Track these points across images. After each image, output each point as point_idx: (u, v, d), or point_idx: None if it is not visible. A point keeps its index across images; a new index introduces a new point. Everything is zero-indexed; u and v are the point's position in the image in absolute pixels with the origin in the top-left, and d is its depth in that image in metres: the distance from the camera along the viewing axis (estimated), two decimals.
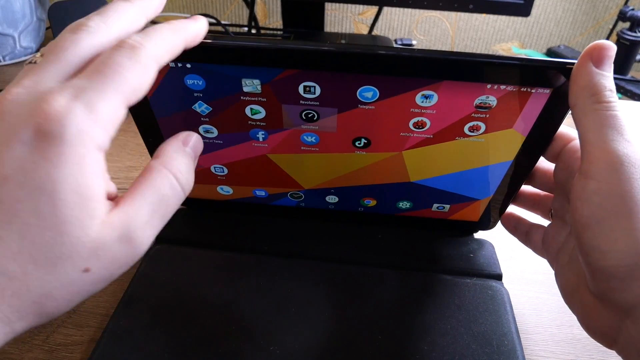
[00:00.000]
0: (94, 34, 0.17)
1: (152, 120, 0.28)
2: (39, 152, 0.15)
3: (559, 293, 0.26)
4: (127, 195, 0.17)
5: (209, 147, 0.29)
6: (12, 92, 0.16)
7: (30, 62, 0.18)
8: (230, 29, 0.73)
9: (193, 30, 0.20)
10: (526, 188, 0.30)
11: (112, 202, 0.17)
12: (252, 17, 0.61)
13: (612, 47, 0.20)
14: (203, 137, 0.28)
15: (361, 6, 0.80)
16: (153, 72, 0.17)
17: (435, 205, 0.32)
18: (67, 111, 0.15)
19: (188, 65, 0.24)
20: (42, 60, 0.17)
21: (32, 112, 0.15)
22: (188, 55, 0.21)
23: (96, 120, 0.15)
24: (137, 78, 0.17)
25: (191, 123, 0.27)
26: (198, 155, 0.21)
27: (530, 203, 0.30)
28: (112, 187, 0.18)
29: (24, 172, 0.15)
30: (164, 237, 0.33)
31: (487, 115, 0.25)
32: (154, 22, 0.81)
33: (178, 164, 0.19)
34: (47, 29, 0.69)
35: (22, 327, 0.16)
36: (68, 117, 0.15)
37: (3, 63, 0.62)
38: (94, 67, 0.16)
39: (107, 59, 0.16)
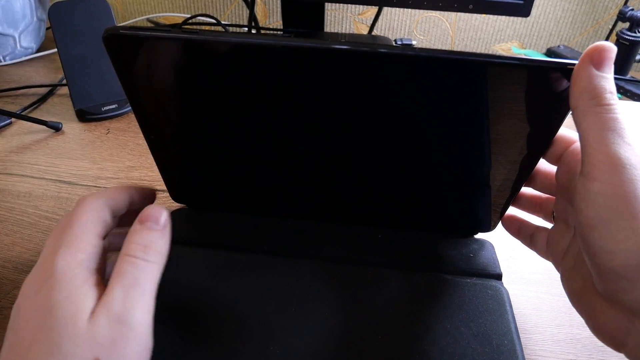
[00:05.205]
0: None
1: (154, 117, 0.28)
2: (44, 289, 0.19)
3: (559, 293, 0.26)
4: (103, 295, 0.20)
5: None
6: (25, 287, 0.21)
7: None
8: (230, 29, 0.73)
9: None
10: (527, 190, 0.30)
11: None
12: (252, 17, 0.61)
13: (612, 49, 0.20)
14: None
15: (361, 6, 0.80)
16: (104, 212, 0.23)
17: (435, 207, 0.32)
18: (55, 256, 0.20)
19: None
20: None
21: (37, 272, 0.21)
22: None
23: (76, 251, 0.20)
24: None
25: None
26: (162, 221, 0.23)
27: (532, 205, 0.30)
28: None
29: (35, 308, 0.19)
30: None
31: None
32: (154, 22, 0.80)
33: (133, 245, 0.22)
34: (47, 29, 0.69)
35: None
36: (56, 259, 0.20)
37: (3, 63, 0.62)
38: (60, 225, 0.22)
39: (67, 217, 0.22)
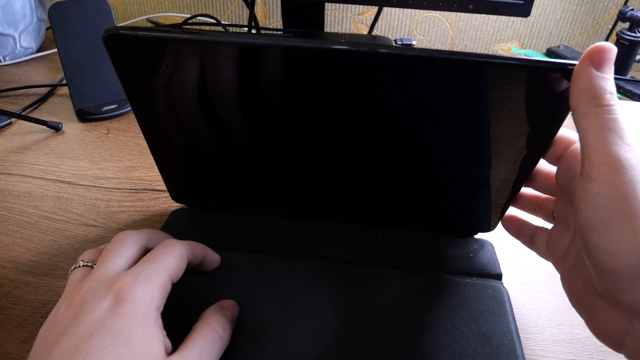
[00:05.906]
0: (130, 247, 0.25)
1: (154, 117, 0.28)
2: (116, 312, 0.20)
3: (559, 293, 0.26)
4: (180, 347, 0.23)
5: None
6: (85, 284, 0.22)
7: (76, 267, 0.25)
8: (230, 29, 0.73)
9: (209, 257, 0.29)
10: (527, 191, 0.30)
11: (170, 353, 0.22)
12: (252, 17, 0.61)
13: (612, 49, 0.20)
14: None
15: (361, 6, 0.80)
16: (184, 263, 0.25)
17: (435, 207, 0.32)
18: (135, 282, 0.22)
19: None
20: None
21: (109, 287, 0.21)
22: None
23: (153, 288, 0.22)
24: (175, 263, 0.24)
25: None
26: (235, 316, 0.27)
27: (532, 206, 0.30)
28: (168, 343, 0.22)
29: (105, 327, 0.20)
30: None
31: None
32: (154, 22, 0.80)
33: (215, 320, 0.25)
34: (47, 29, 0.69)
35: None
36: (135, 286, 0.22)
37: (3, 63, 0.62)
38: (145, 258, 0.24)
39: (153, 253, 0.24)
